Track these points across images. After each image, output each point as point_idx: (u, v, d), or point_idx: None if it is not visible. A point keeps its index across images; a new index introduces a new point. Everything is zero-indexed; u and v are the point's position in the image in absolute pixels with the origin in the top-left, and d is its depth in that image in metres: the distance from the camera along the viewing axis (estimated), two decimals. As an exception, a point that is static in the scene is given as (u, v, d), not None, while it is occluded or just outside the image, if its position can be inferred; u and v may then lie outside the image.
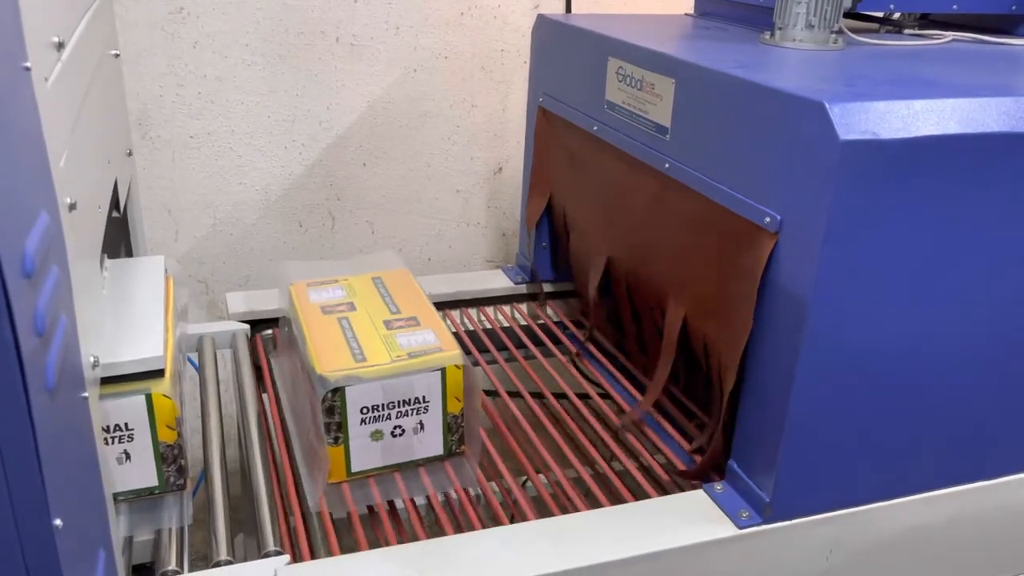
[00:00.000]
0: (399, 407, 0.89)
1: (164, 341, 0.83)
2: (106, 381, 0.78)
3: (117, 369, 0.79)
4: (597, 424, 1.04)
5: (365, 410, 0.88)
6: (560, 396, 1.12)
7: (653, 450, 1.00)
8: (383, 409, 0.88)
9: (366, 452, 0.90)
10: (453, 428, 0.93)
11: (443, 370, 0.90)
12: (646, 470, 0.97)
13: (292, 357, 1.02)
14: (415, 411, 0.90)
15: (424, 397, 0.90)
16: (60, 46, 0.67)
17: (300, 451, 0.95)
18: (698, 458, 0.95)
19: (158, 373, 0.81)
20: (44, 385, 0.49)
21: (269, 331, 1.21)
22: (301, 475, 0.92)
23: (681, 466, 0.96)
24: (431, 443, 0.92)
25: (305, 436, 0.94)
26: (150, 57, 1.36)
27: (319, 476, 0.89)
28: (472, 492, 0.93)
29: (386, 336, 0.93)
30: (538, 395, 1.12)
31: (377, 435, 0.89)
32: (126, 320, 0.86)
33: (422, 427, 0.91)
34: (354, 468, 0.90)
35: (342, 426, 0.88)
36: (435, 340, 0.93)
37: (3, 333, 0.44)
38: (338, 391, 0.86)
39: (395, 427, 0.90)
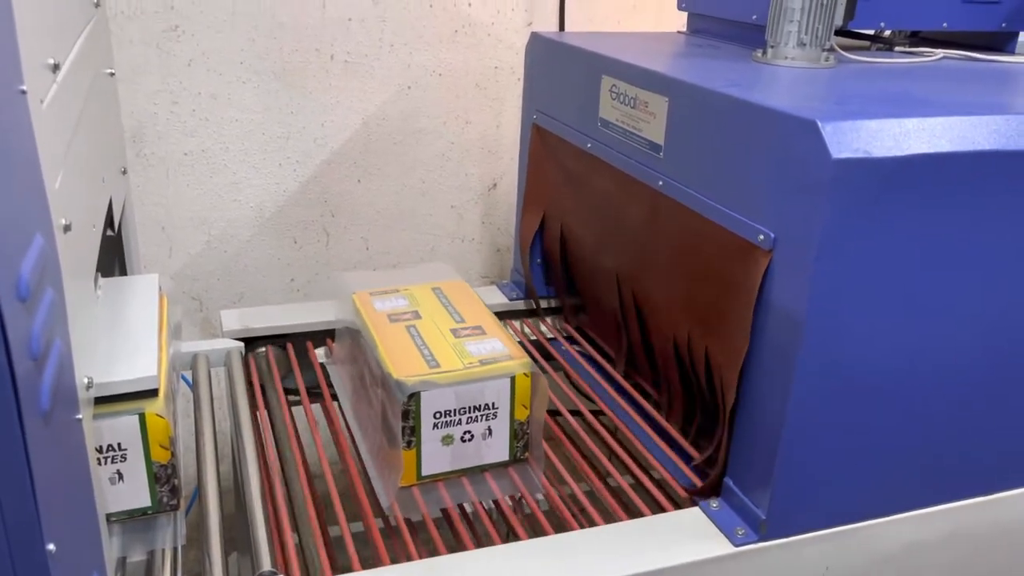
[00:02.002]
0: (470, 413, 0.91)
1: (158, 360, 0.83)
2: (99, 401, 0.78)
3: (111, 389, 0.79)
4: (589, 441, 1.04)
5: (438, 415, 0.90)
6: (554, 413, 1.12)
7: (649, 467, 1.00)
8: (455, 414, 0.91)
9: (437, 456, 0.91)
10: (519, 435, 0.95)
11: (513, 378, 0.92)
12: (643, 488, 0.97)
13: (354, 365, 1.05)
14: (484, 417, 0.92)
15: (493, 403, 0.92)
16: (56, 68, 0.67)
17: (368, 455, 0.97)
18: (695, 477, 0.95)
19: (152, 393, 0.81)
20: (38, 408, 0.49)
21: (263, 349, 1.20)
22: (371, 478, 0.94)
23: (677, 484, 0.95)
24: (498, 449, 0.94)
25: (372, 441, 0.97)
26: (145, 75, 1.36)
27: (393, 479, 0.91)
28: (538, 498, 0.95)
29: (455, 344, 0.96)
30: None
31: (448, 440, 0.91)
32: (120, 339, 0.85)
33: (490, 433, 0.93)
34: (424, 472, 0.92)
35: (415, 430, 0.89)
36: (504, 348, 0.95)
37: (-3, 357, 0.44)
38: (413, 396, 0.88)
39: (465, 432, 0.92)
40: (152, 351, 0.84)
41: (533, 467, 0.95)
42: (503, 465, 0.96)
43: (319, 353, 1.22)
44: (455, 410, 0.90)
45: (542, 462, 0.95)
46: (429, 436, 0.90)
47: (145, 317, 0.91)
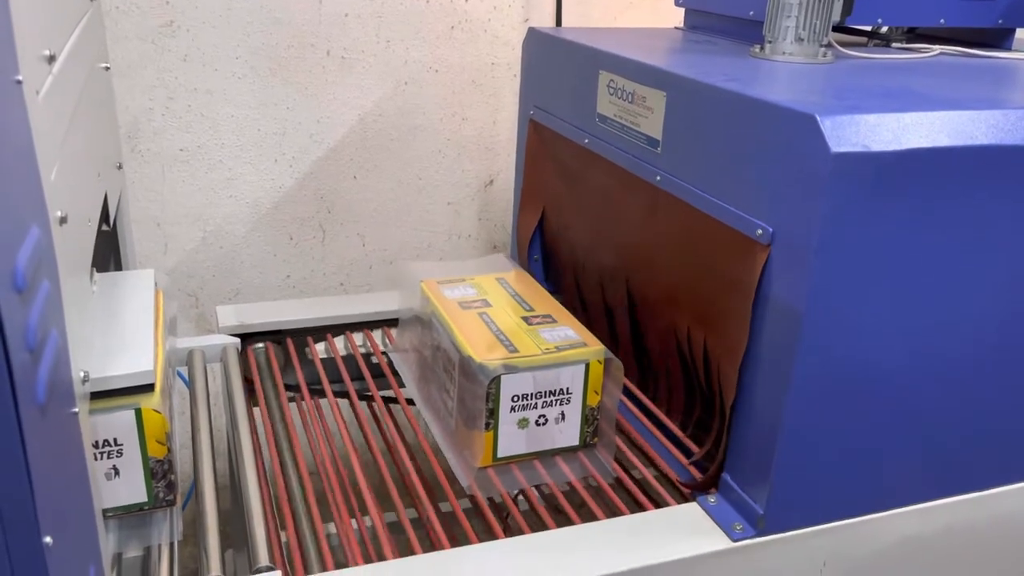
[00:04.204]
0: (545, 397, 0.94)
1: (154, 355, 0.82)
2: (96, 396, 0.78)
3: (107, 384, 0.78)
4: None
5: (516, 398, 0.92)
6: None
7: (647, 462, 1.00)
8: (531, 398, 0.93)
9: (512, 439, 0.94)
10: (590, 420, 0.97)
11: (587, 364, 0.94)
12: (640, 482, 0.97)
13: (420, 351, 1.08)
14: (559, 402, 0.94)
15: (568, 389, 0.94)
16: (51, 59, 0.66)
17: (442, 438, 1.00)
18: (695, 471, 0.95)
19: (148, 388, 0.80)
20: (34, 401, 0.48)
21: (261, 344, 1.20)
22: (448, 459, 0.97)
23: (675, 477, 0.95)
24: (569, 433, 0.96)
25: (445, 424, 1.00)
26: (140, 70, 1.35)
27: (472, 460, 0.94)
28: (608, 481, 0.96)
29: (529, 331, 0.98)
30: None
31: (523, 423, 0.93)
32: (116, 334, 0.85)
33: (563, 417, 0.95)
34: (500, 453, 0.94)
35: (493, 413, 0.92)
36: (576, 336, 0.97)
37: (-7, 348, 0.44)
38: (494, 380, 0.90)
39: (540, 416, 0.94)
40: (148, 346, 0.83)
41: (602, 453, 0.98)
42: (573, 450, 0.98)
43: (320, 348, 1.22)
44: (532, 394, 0.93)
45: (612, 448, 0.97)
46: (506, 419, 0.93)
47: (141, 312, 0.90)
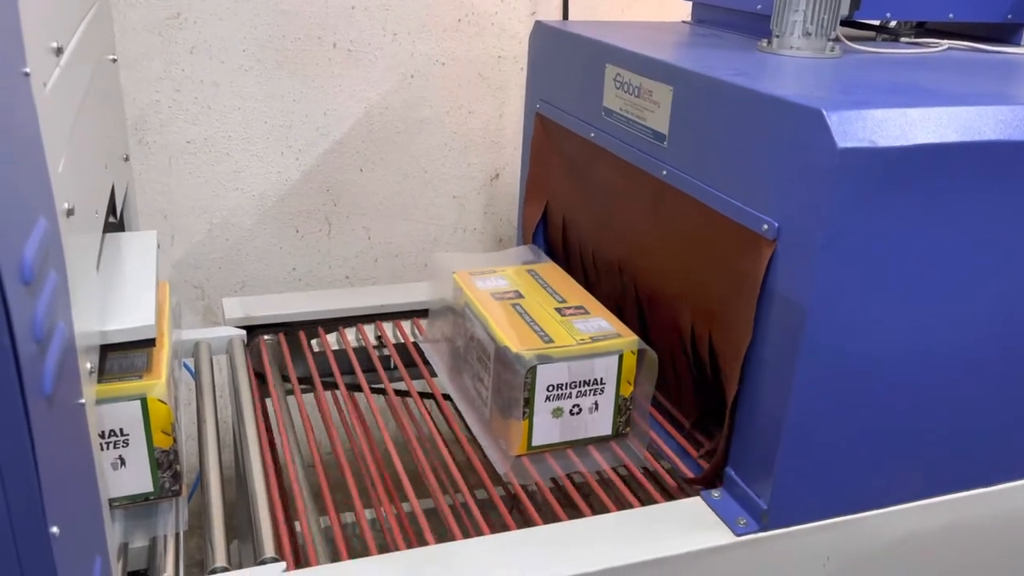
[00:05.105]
0: (579, 387, 0.95)
1: (155, 310, 0.82)
2: (102, 382, 0.78)
3: (108, 338, 0.78)
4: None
5: (551, 388, 0.93)
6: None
7: (657, 455, 1.00)
8: (566, 388, 0.94)
9: (547, 428, 0.95)
10: (622, 410, 0.98)
11: (621, 355, 0.95)
12: (651, 475, 0.97)
13: (452, 342, 1.10)
14: (592, 392, 0.96)
15: (602, 379, 0.96)
16: (59, 51, 0.66)
17: (477, 426, 1.01)
18: (704, 464, 0.95)
19: (149, 343, 0.80)
20: (41, 391, 0.49)
21: (269, 336, 1.20)
22: (483, 448, 0.98)
23: (690, 473, 0.96)
24: (602, 423, 0.98)
25: (479, 413, 1.01)
26: (147, 62, 1.35)
27: (508, 448, 0.95)
28: (641, 470, 0.98)
29: (563, 322, 0.99)
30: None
31: (557, 412, 0.95)
32: (117, 292, 0.85)
33: (596, 407, 0.97)
34: (535, 442, 0.96)
35: (529, 402, 0.93)
36: (610, 327, 0.99)
37: (1, 340, 0.44)
38: (530, 370, 0.91)
39: (573, 406, 0.95)
40: (150, 303, 0.83)
41: (634, 442, 0.99)
42: (605, 439, 0.99)
43: (331, 340, 1.22)
44: (567, 384, 0.94)
45: (645, 438, 0.98)
46: (541, 408, 0.94)
47: (142, 270, 0.90)
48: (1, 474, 0.46)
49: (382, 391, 1.16)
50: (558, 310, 1.02)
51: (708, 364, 0.94)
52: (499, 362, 0.95)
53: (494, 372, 0.97)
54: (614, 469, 0.98)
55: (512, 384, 0.92)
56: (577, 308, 1.03)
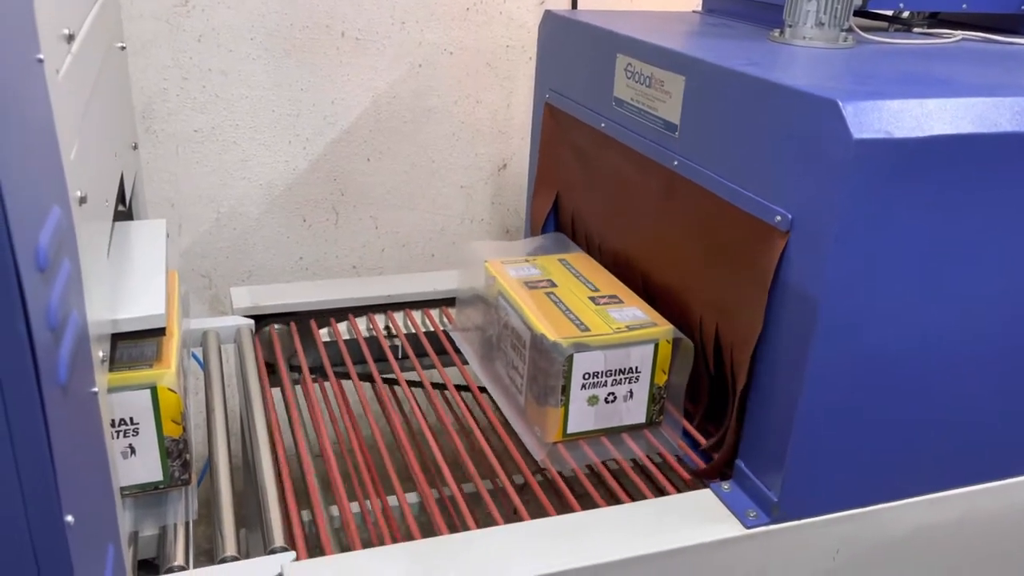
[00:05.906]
0: (615, 375, 0.95)
1: (165, 299, 0.82)
2: (113, 370, 0.78)
3: (118, 327, 0.78)
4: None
5: (587, 376, 0.93)
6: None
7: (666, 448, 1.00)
8: (602, 376, 0.94)
9: (582, 415, 0.95)
10: (657, 398, 0.98)
11: (656, 344, 0.96)
12: (657, 466, 0.97)
13: (483, 331, 1.10)
14: (628, 380, 0.96)
15: (637, 367, 0.96)
16: (70, 38, 0.66)
17: (512, 413, 1.01)
18: (713, 456, 0.95)
19: (160, 331, 0.80)
20: (56, 379, 0.48)
21: (280, 325, 1.20)
22: (519, 435, 0.99)
23: (701, 463, 0.96)
24: (637, 411, 0.98)
25: (513, 400, 1.02)
26: (155, 50, 1.35)
27: (543, 436, 0.96)
28: (675, 457, 0.98)
29: (598, 310, 0.99)
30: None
31: (593, 400, 0.95)
32: (126, 280, 0.85)
33: (631, 395, 0.97)
34: (570, 429, 0.96)
35: (565, 389, 0.93)
36: (645, 316, 0.99)
37: (17, 327, 0.44)
38: (568, 358, 0.92)
39: (609, 394, 0.96)
40: (160, 292, 0.83)
41: (668, 431, 0.99)
42: (640, 427, 0.99)
43: (342, 328, 1.22)
44: (603, 372, 0.94)
45: (678, 427, 0.99)
46: (577, 396, 0.94)
47: (152, 260, 0.90)
48: (17, 463, 0.46)
49: (394, 381, 1.15)
50: (592, 299, 1.02)
51: (714, 356, 0.94)
52: (535, 350, 0.95)
53: (530, 360, 0.97)
54: (648, 457, 0.99)
55: (549, 372, 0.93)
56: (611, 297, 1.03)
